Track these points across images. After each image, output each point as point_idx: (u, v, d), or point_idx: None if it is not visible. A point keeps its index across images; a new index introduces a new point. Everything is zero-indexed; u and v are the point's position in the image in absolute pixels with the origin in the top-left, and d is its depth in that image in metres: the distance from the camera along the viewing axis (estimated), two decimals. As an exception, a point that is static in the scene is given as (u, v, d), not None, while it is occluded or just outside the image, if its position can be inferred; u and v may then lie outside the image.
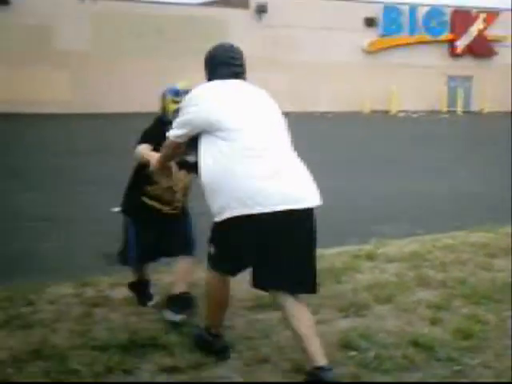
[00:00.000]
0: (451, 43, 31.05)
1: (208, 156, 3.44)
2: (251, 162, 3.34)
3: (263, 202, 3.30)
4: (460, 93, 29.74)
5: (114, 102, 21.31)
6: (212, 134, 3.43)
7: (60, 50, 20.97)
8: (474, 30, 31.49)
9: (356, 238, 6.33)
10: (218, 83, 3.60)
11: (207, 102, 3.48)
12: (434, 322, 4.16)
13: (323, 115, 21.90)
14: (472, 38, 31.37)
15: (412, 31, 29.85)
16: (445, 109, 29.79)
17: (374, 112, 23.73)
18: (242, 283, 4.64)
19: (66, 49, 21.00)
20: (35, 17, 20.51)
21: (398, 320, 4.23)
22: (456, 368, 3.56)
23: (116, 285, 4.82)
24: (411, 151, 14.36)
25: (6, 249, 6.02)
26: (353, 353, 3.73)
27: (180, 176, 4.19)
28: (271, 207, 3.30)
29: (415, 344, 3.81)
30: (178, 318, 4.13)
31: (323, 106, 25.77)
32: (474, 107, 31.14)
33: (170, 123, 3.73)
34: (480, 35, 31.59)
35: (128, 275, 4.61)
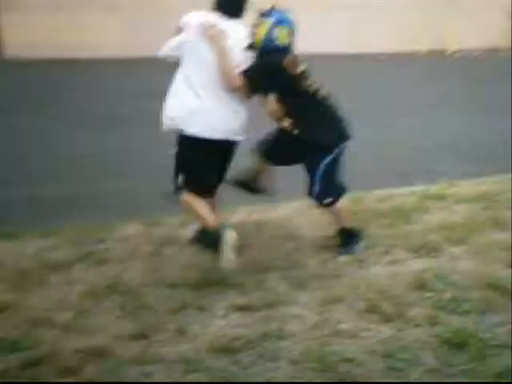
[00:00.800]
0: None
1: None
2: None
3: None
4: (524, 28, 28.55)
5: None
6: None
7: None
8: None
9: (421, 179, 6.18)
10: None
11: None
12: (510, 264, 4.04)
13: (374, 57, 21.30)
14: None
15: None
16: (508, 45, 28.71)
17: (431, 52, 22.90)
18: (310, 224, 4.65)
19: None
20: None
21: (472, 262, 4.13)
22: (536, 311, 3.46)
23: (184, 224, 4.82)
24: (471, 91, 13.88)
25: (70, 189, 6.04)
26: (428, 294, 3.67)
27: None
28: None
29: (493, 286, 3.71)
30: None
31: (374, 47, 25.00)
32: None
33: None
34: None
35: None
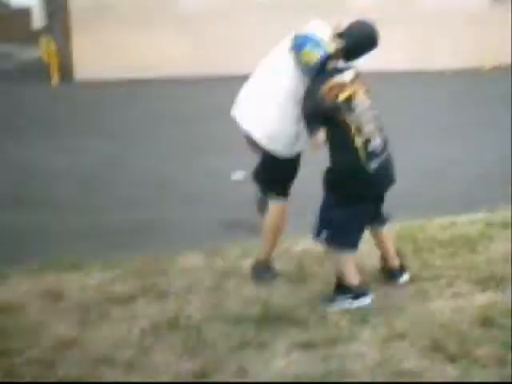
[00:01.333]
0: None
1: None
2: None
3: None
4: None
5: (241, 62, 21.17)
6: None
7: (182, 13, 21.06)
8: None
9: (485, 204, 6.03)
10: None
11: None
12: None
13: (440, 74, 20.90)
14: None
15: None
16: None
17: (496, 68, 22.27)
18: (371, 256, 4.58)
19: (187, 12, 21.04)
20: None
21: (541, 295, 3.99)
22: None
23: (245, 255, 4.82)
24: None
25: (133, 217, 6.13)
26: (495, 331, 3.56)
27: None
28: None
29: None
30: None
31: (440, 63, 24.55)
32: None
33: None
34: None
35: (255, 245, 4.60)
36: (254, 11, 22.05)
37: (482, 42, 24.76)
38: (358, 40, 3.88)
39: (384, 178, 3.97)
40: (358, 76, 3.89)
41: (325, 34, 3.90)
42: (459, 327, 3.61)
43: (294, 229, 4.64)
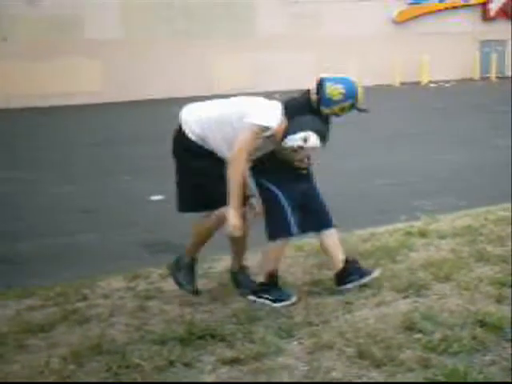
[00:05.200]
0: (483, 6, 30.24)
1: None
2: None
3: None
4: (493, 58, 29.01)
5: (150, 88, 21.19)
6: None
7: (90, 39, 20.90)
8: (506, -10, 30.57)
9: (402, 215, 6.18)
10: None
11: None
12: (499, 299, 4.01)
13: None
14: (505, 0, 30.50)
15: (442, -4, 29.16)
16: (478, 76, 29.14)
17: (404, 84, 23.28)
18: (296, 269, 4.59)
19: (95, 38, 20.92)
20: (63, 8, 20.48)
21: (460, 299, 4.09)
22: (528, 347, 3.42)
23: (166, 275, 4.74)
24: (444, 122, 14.02)
25: (50, 242, 6.00)
26: (418, 335, 3.61)
27: None
28: None
29: (482, 324, 3.68)
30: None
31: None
32: (509, 72, 30.37)
33: None
34: (513, -5, 30.70)
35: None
36: (165, 38, 22.13)
37: (389, 61, 25.78)
38: None
39: None
40: None
41: None
42: (384, 334, 3.65)
43: (215, 248, 4.60)
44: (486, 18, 30.37)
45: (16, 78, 18.97)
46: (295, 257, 4.95)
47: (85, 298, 4.41)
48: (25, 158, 10.35)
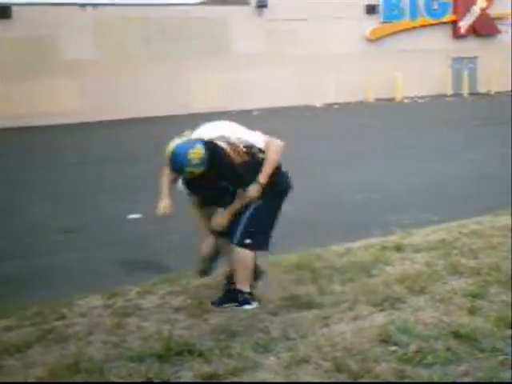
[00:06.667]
0: (454, 24, 30.77)
1: None
2: None
3: None
4: (465, 75, 29.46)
5: (126, 107, 21.20)
6: None
7: (66, 59, 20.92)
8: (476, 9, 31.13)
9: (377, 230, 6.25)
10: None
11: None
12: (472, 311, 4.08)
13: (329, 107, 21.74)
14: (475, 18, 31.06)
15: (414, 15, 29.56)
16: (450, 92, 29.56)
17: (379, 100, 23.60)
18: (273, 284, 4.62)
19: (71, 58, 20.95)
20: (38, 28, 20.48)
21: (435, 311, 4.15)
22: (501, 358, 3.48)
23: (144, 293, 4.77)
24: (418, 137, 14.23)
25: (29, 262, 6.00)
26: (393, 348, 3.66)
27: None
28: None
29: (456, 335, 3.74)
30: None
31: (329, 97, 25.54)
32: (481, 88, 30.84)
33: None
34: (483, 14, 31.25)
35: (155, 282, 4.55)
36: (141, 58, 22.21)
37: (364, 78, 26.12)
38: None
39: None
40: None
41: None
42: (360, 347, 3.69)
43: (190, 265, 4.63)
44: (456, 35, 30.89)
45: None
46: (272, 272, 4.98)
47: (62, 317, 4.39)
48: (2, 178, 10.29)
